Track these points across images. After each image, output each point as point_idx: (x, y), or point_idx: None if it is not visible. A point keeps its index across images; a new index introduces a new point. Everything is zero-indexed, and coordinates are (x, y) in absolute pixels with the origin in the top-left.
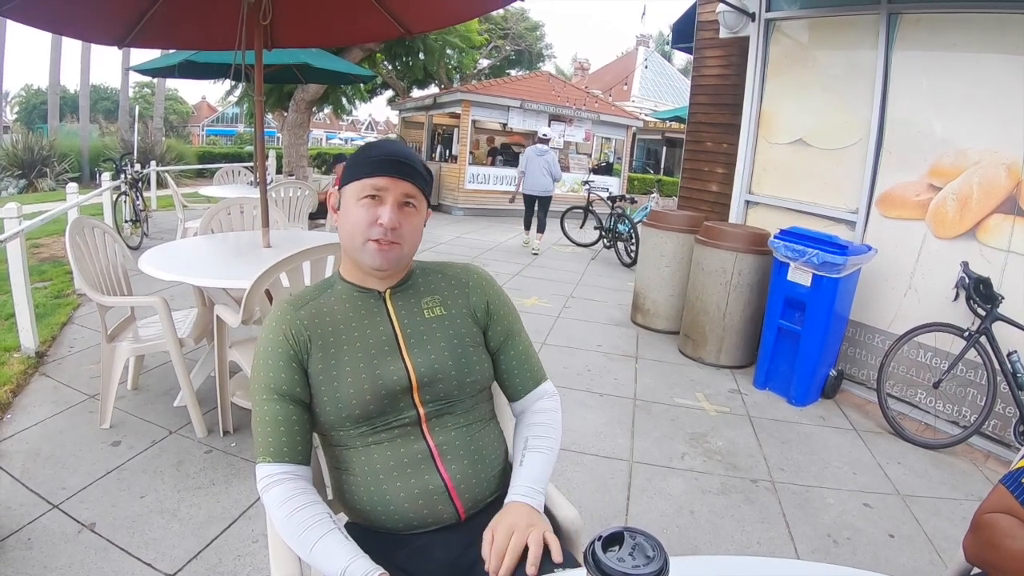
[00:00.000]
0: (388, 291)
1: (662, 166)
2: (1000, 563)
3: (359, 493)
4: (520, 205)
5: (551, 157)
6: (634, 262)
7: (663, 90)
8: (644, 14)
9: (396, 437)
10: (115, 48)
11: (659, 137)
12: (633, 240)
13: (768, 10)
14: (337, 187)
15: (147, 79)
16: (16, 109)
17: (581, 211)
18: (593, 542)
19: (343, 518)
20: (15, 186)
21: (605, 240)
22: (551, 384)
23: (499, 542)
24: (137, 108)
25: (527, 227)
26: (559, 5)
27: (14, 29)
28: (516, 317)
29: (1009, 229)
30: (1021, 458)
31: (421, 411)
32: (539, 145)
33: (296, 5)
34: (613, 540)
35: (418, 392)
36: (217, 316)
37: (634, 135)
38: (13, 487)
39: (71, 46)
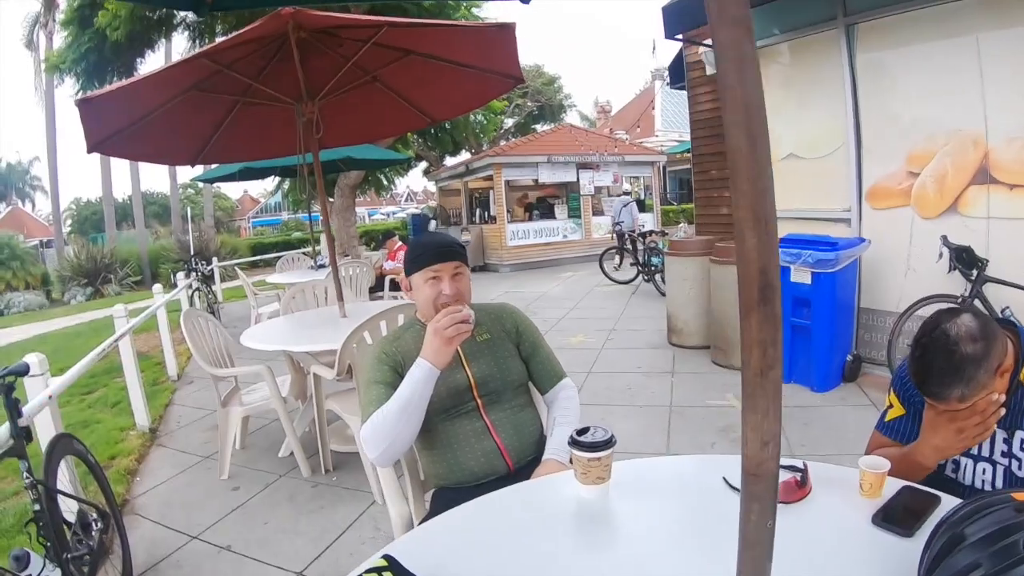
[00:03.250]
0: None
1: (694, 194)
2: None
3: (442, 460)
4: (554, 255)
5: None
6: None
7: (685, 120)
8: (655, 49)
9: (464, 419)
10: None
11: (688, 167)
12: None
13: None
14: (405, 275)
15: (188, 179)
16: (69, 222)
17: (616, 251)
18: (572, 432)
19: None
20: (83, 294)
21: (643, 275)
22: (570, 379)
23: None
24: (189, 210)
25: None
26: (570, 53)
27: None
28: (538, 334)
29: (985, 198)
30: (887, 406)
31: (479, 401)
32: (623, 196)
33: (338, 114)
34: (584, 431)
35: (476, 389)
36: (314, 374)
37: (663, 168)
38: (154, 528)
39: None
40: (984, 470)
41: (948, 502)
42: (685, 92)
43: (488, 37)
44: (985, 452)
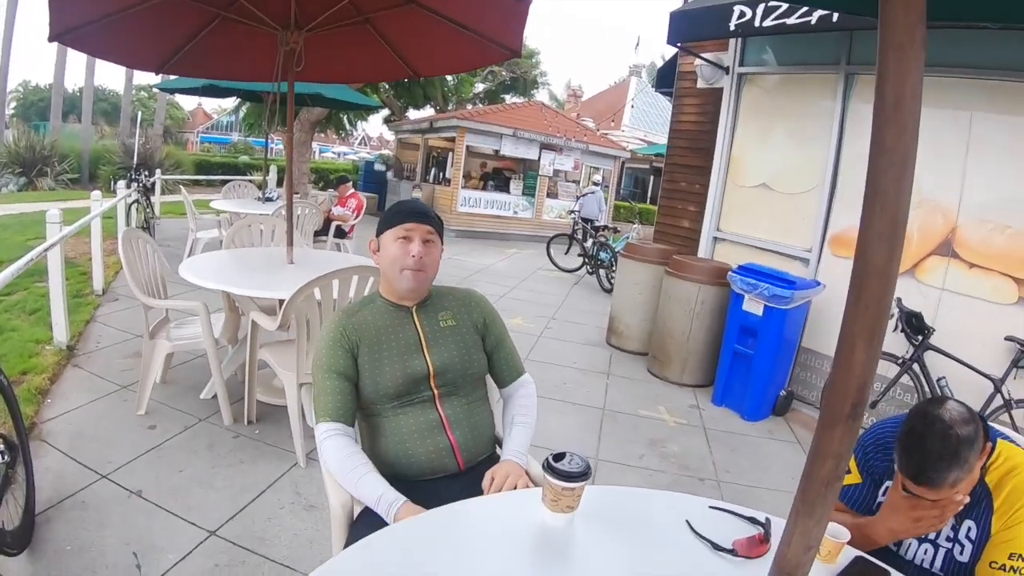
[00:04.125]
0: (415, 307)
1: (648, 194)
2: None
3: (388, 449)
4: (502, 230)
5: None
6: (613, 288)
7: (653, 121)
8: (638, 45)
9: (417, 409)
10: None
11: (647, 166)
12: (614, 268)
13: (741, 64)
14: (375, 235)
15: (146, 83)
16: (13, 105)
17: (567, 238)
18: (548, 457)
19: None
20: (15, 184)
21: (588, 267)
22: (529, 376)
23: (497, 480)
24: (140, 115)
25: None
26: (556, 33)
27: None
28: (504, 328)
29: (944, 269)
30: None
31: (435, 391)
32: (594, 187)
33: (321, 49)
34: (560, 457)
35: (434, 379)
36: (252, 321)
37: (623, 164)
38: (63, 460)
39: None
40: (926, 551)
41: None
42: (662, 95)
43: (502, 5)
44: (931, 536)
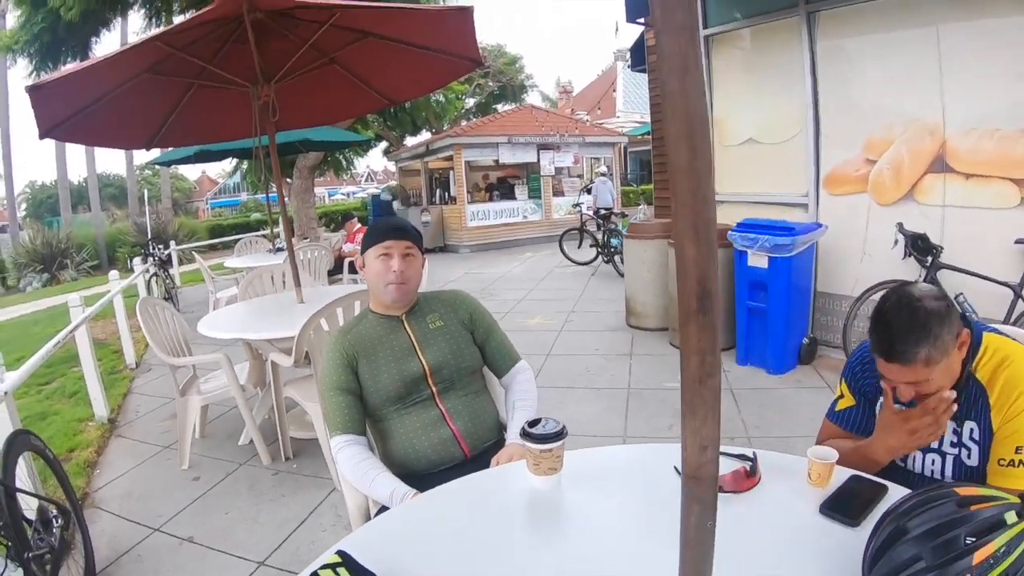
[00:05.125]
0: (404, 315)
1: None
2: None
3: (397, 449)
4: (515, 236)
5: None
6: None
7: (647, 101)
8: (617, 30)
9: (419, 408)
10: None
11: (649, 147)
12: None
13: (705, 27)
14: (360, 253)
15: (146, 161)
16: (24, 206)
17: (577, 232)
18: (523, 424)
19: None
20: (39, 280)
21: (603, 256)
22: (525, 362)
23: (502, 463)
24: (146, 192)
25: None
26: (532, 33)
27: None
28: (492, 320)
29: (941, 186)
30: (838, 396)
31: (434, 389)
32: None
33: (295, 96)
34: (535, 423)
35: (431, 377)
36: (272, 362)
37: (624, 149)
38: (116, 521)
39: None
40: (933, 460)
41: (895, 492)
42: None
43: (447, 21)
44: (935, 444)
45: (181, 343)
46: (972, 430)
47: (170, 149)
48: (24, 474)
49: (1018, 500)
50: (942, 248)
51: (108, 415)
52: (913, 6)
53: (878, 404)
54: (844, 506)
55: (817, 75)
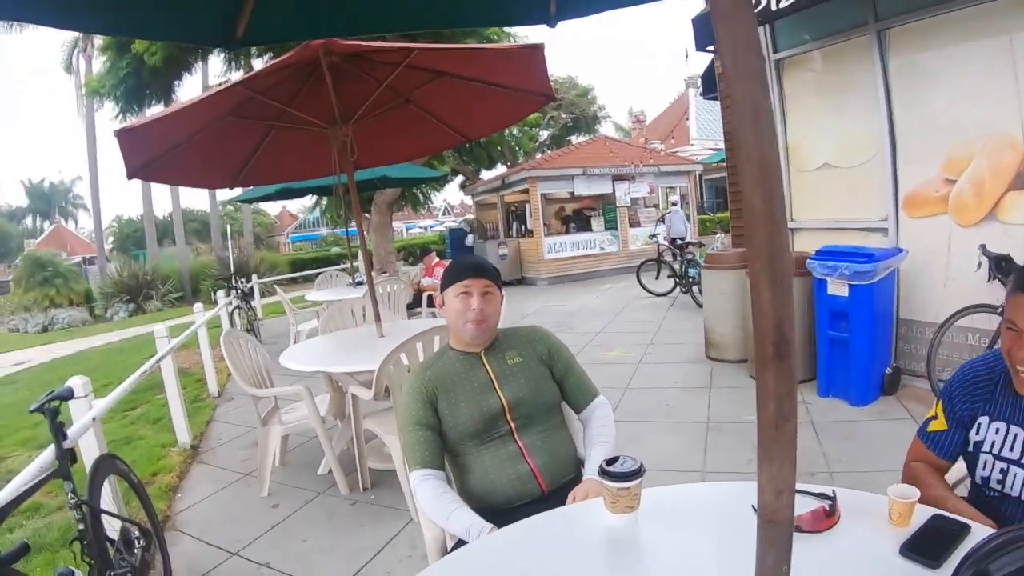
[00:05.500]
0: (483, 352)
1: (729, 202)
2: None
3: (475, 484)
4: (592, 268)
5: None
6: None
7: (720, 128)
8: (687, 57)
9: (497, 443)
10: None
11: (724, 175)
12: None
13: (775, 51)
14: (440, 291)
15: (228, 197)
16: (111, 239)
17: (654, 262)
18: (601, 462)
19: None
20: (125, 310)
21: (681, 287)
22: (603, 397)
23: (579, 499)
24: (228, 227)
25: None
26: (604, 63)
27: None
28: (570, 354)
29: None
30: (932, 416)
31: (512, 425)
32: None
33: (372, 135)
34: (613, 461)
35: (509, 413)
36: (352, 395)
37: (699, 177)
38: (196, 544)
39: None
40: None
41: (978, 531)
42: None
43: (518, 58)
44: None
45: (263, 374)
46: None
47: (252, 187)
48: (108, 496)
49: None
50: None
51: (191, 441)
52: (984, 16)
53: (972, 430)
54: (925, 547)
55: (891, 93)
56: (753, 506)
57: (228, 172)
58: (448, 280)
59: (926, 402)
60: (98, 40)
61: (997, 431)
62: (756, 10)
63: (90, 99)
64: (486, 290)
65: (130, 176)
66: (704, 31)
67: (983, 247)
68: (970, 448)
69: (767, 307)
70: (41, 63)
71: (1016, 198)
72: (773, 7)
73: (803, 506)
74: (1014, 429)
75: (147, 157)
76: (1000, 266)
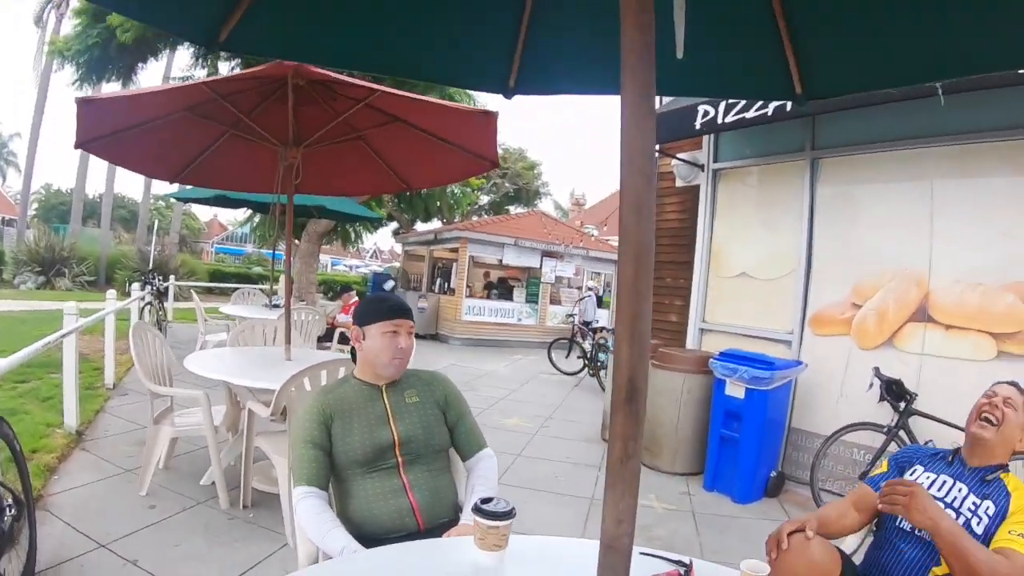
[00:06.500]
0: (384, 386)
1: None
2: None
3: (355, 510)
4: (507, 337)
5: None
6: None
7: None
8: None
9: (382, 475)
10: None
11: None
12: None
13: (715, 161)
14: (357, 325)
15: (163, 192)
16: (35, 206)
17: (567, 341)
18: (476, 500)
19: None
20: (33, 281)
21: (588, 369)
22: (490, 450)
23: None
24: (156, 223)
25: None
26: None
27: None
28: (466, 406)
29: (922, 335)
30: (877, 467)
31: (400, 459)
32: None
33: (319, 164)
34: (487, 500)
35: (399, 447)
36: (249, 410)
37: None
38: (65, 529)
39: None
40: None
41: None
42: None
43: (473, 120)
44: (956, 503)
45: (166, 373)
46: (988, 508)
47: (190, 187)
48: None
49: None
50: (916, 395)
51: (77, 427)
52: (912, 160)
53: (907, 473)
54: None
55: (815, 217)
56: None
57: (173, 165)
58: (373, 316)
59: (806, 508)
60: (75, 2)
61: (928, 476)
62: (703, 120)
63: (51, 59)
64: (411, 331)
65: (77, 145)
66: (656, 130)
67: (876, 370)
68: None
69: (624, 361)
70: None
71: (914, 329)
72: (720, 120)
73: (658, 569)
74: (943, 477)
75: (100, 131)
76: (890, 389)
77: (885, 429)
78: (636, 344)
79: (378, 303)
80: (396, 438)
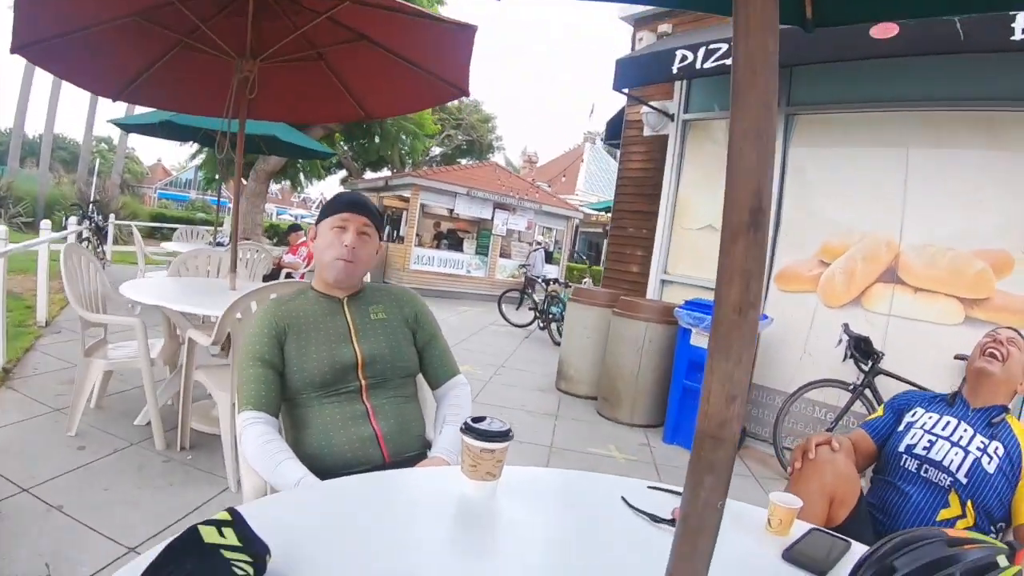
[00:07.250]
0: (346, 299)
1: (602, 258)
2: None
3: (311, 440)
4: (455, 288)
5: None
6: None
7: (607, 185)
8: (592, 112)
9: (343, 399)
10: (92, 98)
11: (601, 231)
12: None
13: (686, 111)
14: (315, 224)
15: (107, 135)
16: None
17: (518, 293)
18: (466, 420)
19: None
20: None
21: (540, 321)
22: (463, 376)
23: None
24: (97, 162)
25: None
26: (513, 99)
27: None
28: (437, 326)
29: (890, 296)
30: (874, 415)
31: (363, 382)
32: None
33: (276, 84)
34: (480, 419)
35: (362, 369)
36: (189, 341)
37: (576, 227)
38: None
39: (39, 92)
40: (956, 453)
41: (857, 549)
42: (611, 157)
43: (447, 35)
44: (963, 441)
45: (99, 301)
46: (998, 448)
47: (136, 112)
48: None
49: (1005, 546)
50: (883, 354)
51: (3, 364)
52: (887, 124)
53: (908, 414)
54: (808, 556)
55: (785, 174)
56: (623, 497)
57: (118, 80)
58: (325, 212)
59: (765, 463)
60: None
61: (930, 416)
62: (681, 64)
63: None
64: (364, 229)
65: (13, 50)
66: (627, 73)
67: (846, 326)
68: (900, 428)
69: (750, 166)
70: None
71: (883, 289)
72: (698, 65)
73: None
74: (947, 418)
75: (40, 34)
76: (859, 346)
77: (851, 387)
78: (764, 146)
79: (332, 199)
80: (359, 357)
